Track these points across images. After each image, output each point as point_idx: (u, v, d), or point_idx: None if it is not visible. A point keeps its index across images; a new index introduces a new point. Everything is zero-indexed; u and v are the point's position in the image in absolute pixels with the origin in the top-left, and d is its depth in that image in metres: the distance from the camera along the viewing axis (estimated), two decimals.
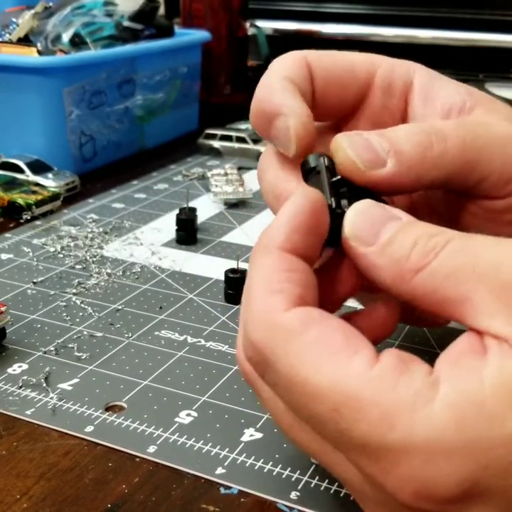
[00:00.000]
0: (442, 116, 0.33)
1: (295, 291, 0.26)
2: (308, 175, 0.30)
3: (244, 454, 0.33)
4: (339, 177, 0.29)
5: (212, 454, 0.33)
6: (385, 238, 0.26)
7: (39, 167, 0.67)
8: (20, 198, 0.61)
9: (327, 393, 0.23)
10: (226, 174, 0.69)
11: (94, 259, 0.54)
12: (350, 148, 0.29)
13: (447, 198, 0.33)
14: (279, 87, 0.31)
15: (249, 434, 0.34)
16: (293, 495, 0.31)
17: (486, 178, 0.30)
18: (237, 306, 0.47)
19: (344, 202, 0.29)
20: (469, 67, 1.07)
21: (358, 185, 0.29)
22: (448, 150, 0.29)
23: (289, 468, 0.32)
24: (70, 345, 0.42)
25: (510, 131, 0.31)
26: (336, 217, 0.28)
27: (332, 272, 0.29)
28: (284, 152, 0.31)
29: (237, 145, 0.79)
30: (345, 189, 0.29)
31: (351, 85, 0.33)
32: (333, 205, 0.28)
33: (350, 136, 0.29)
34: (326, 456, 0.26)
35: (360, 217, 0.27)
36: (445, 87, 0.33)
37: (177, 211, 0.59)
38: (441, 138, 0.29)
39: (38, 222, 0.61)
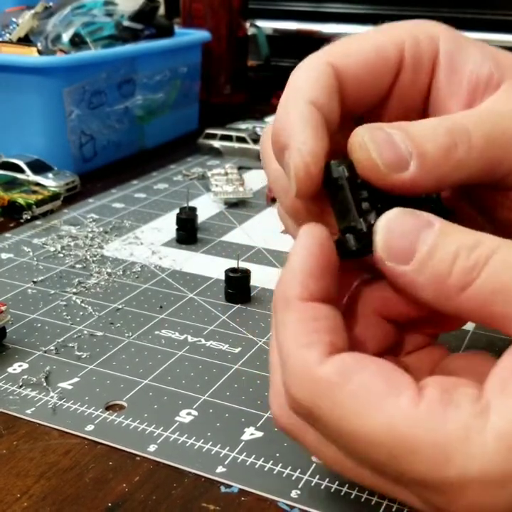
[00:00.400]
0: (468, 92, 0.31)
1: (325, 339, 0.25)
2: (329, 182, 0.28)
3: (245, 453, 0.33)
4: (359, 181, 0.28)
5: (212, 452, 0.33)
6: (423, 253, 0.25)
7: (39, 167, 0.67)
8: (20, 197, 0.61)
9: (380, 441, 0.24)
10: (226, 174, 0.69)
11: (95, 258, 0.54)
12: (372, 145, 0.27)
13: (477, 190, 0.32)
14: (296, 116, 0.28)
15: (250, 433, 0.34)
16: (293, 493, 0.31)
17: (510, 173, 0.29)
18: (237, 306, 0.47)
19: (365, 205, 0.27)
20: None
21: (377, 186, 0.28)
22: (472, 149, 0.28)
23: (290, 467, 0.32)
24: (70, 345, 0.42)
25: None
26: (363, 236, 0.27)
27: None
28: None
29: (237, 145, 0.79)
30: (366, 192, 0.28)
31: (384, 72, 0.31)
32: (364, 228, 0.27)
33: (371, 131, 0.27)
34: (387, 489, 0.26)
35: (390, 233, 0.26)
36: (471, 56, 0.31)
37: (177, 211, 0.59)
38: (465, 138, 0.28)
39: (38, 222, 0.61)
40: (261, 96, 1.04)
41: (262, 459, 0.33)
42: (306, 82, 0.29)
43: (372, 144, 0.27)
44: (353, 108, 0.31)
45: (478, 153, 0.28)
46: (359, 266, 0.31)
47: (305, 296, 0.26)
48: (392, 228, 0.26)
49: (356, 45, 0.31)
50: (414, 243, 0.25)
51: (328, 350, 0.25)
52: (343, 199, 0.28)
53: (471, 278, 0.24)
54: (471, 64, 0.31)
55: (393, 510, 0.30)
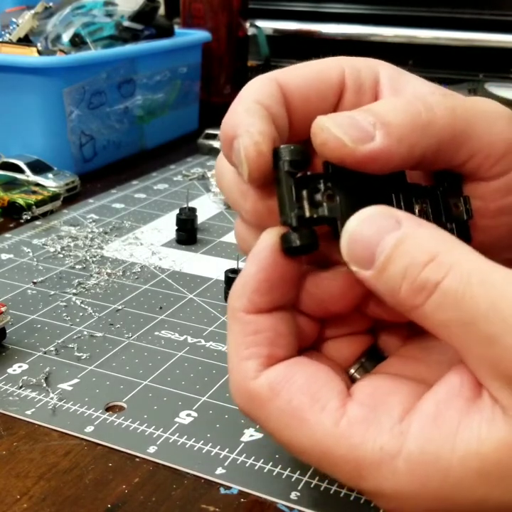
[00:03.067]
0: None
1: (263, 352, 0.27)
2: (274, 173, 0.27)
3: (244, 454, 0.33)
4: (309, 173, 0.27)
5: (212, 454, 0.33)
6: (379, 263, 0.25)
7: (39, 167, 0.67)
8: (20, 198, 0.61)
9: (308, 452, 0.26)
10: None
11: (94, 259, 0.54)
12: (334, 126, 0.26)
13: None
14: (242, 109, 0.28)
15: (249, 435, 0.34)
16: (293, 495, 0.31)
17: (474, 155, 0.28)
18: None
19: (318, 197, 0.26)
20: (469, 67, 1.07)
21: (342, 167, 0.27)
22: (437, 119, 0.27)
23: (289, 469, 0.32)
24: (70, 346, 0.42)
25: (499, 108, 0.29)
26: (303, 233, 0.26)
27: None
28: (242, 178, 0.28)
29: None
30: (325, 183, 0.27)
31: (328, 93, 0.31)
32: (294, 222, 0.26)
33: (331, 116, 0.27)
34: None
35: (354, 237, 0.25)
36: (412, 81, 0.32)
37: (177, 211, 0.59)
38: (428, 107, 0.27)
39: (38, 223, 0.61)
40: None
41: (262, 460, 0.33)
42: (252, 90, 0.29)
43: (334, 124, 0.26)
44: (300, 127, 0.30)
45: (444, 123, 0.27)
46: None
47: (250, 309, 0.27)
48: (356, 232, 0.25)
49: (300, 69, 0.31)
50: (374, 249, 0.25)
51: (265, 363, 0.27)
52: (280, 191, 0.27)
53: (417, 303, 0.24)
54: (411, 86, 0.31)
55: None
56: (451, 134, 0.28)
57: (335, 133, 0.26)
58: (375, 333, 0.32)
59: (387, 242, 0.25)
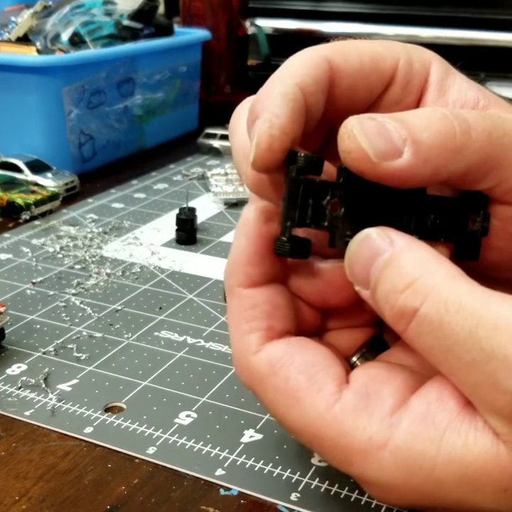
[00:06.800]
0: None
1: (262, 325, 0.27)
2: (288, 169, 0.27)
3: (244, 455, 0.33)
4: (317, 180, 0.26)
5: (212, 455, 0.33)
6: (371, 285, 0.26)
7: (38, 167, 0.67)
8: (19, 197, 0.61)
9: (300, 431, 0.27)
10: (226, 174, 0.69)
11: (94, 259, 0.54)
12: (361, 134, 0.25)
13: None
14: (279, 91, 0.27)
15: (249, 435, 0.34)
16: (293, 496, 0.31)
17: (503, 182, 0.27)
18: None
19: (323, 204, 0.26)
20: (470, 66, 1.06)
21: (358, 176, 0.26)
22: (472, 143, 0.26)
23: (289, 470, 0.32)
24: (69, 346, 0.42)
25: None
26: (294, 243, 0.26)
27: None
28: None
29: None
30: (330, 188, 0.26)
31: (376, 82, 0.30)
32: (285, 236, 0.26)
33: (362, 121, 0.26)
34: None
35: (352, 260, 0.26)
36: (459, 84, 0.30)
37: (177, 211, 0.58)
38: (465, 128, 0.26)
39: (37, 222, 0.61)
40: None
41: (262, 461, 0.33)
42: (300, 68, 0.28)
43: (362, 133, 0.25)
44: (336, 112, 0.30)
45: (477, 148, 0.26)
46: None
47: (245, 283, 0.28)
48: (355, 254, 0.26)
49: (355, 50, 0.30)
50: (368, 271, 0.26)
51: (266, 336, 0.27)
52: (285, 195, 0.26)
53: (401, 327, 0.25)
54: (458, 89, 0.30)
55: (394, 511, 0.30)
56: (483, 160, 0.26)
57: (361, 144, 0.25)
58: (380, 324, 0.32)
59: (378, 264, 0.25)
